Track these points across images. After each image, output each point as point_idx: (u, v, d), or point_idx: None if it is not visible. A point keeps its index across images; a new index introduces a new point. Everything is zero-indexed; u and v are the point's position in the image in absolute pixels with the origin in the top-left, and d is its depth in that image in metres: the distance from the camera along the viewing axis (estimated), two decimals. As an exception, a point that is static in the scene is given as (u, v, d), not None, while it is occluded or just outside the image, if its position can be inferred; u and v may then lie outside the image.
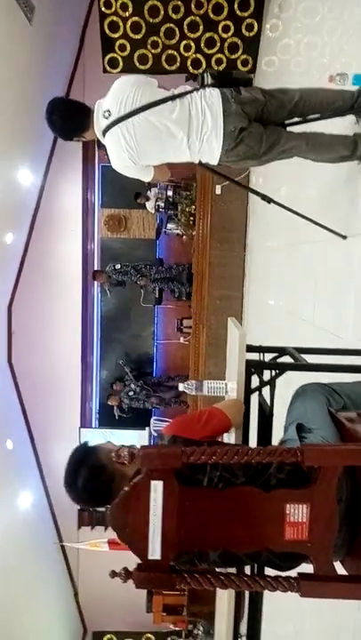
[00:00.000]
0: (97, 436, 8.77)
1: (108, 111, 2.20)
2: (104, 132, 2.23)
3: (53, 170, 8.41)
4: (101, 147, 2.36)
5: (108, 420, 9.24)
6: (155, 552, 1.26)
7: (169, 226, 7.83)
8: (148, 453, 1.25)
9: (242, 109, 2.17)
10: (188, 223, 6.71)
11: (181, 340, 8.53)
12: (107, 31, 5.71)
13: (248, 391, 1.68)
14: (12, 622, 6.93)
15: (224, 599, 1.91)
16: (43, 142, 8.09)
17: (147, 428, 8.49)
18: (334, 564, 1.30)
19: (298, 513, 1.28)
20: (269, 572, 1.40)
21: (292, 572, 1.33)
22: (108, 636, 8.76)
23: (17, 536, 7.65)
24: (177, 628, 6.48)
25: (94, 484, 1.40)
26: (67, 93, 8.18)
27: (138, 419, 8.69)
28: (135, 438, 8.51)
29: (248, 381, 1.68)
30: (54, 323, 8.78)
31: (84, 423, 9.15)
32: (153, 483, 1.25)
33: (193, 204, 6.52)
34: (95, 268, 8.74)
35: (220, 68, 5.66)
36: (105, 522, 9.02)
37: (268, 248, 5.06)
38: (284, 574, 1.30)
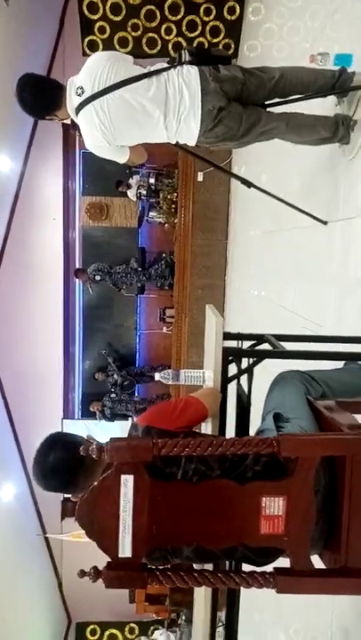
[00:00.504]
0: (80, 427, 8.70)
1: (81, 88, 2.10)
2: (77, 111, 2.13)
3: (33, 156, 8.21)
4: (76, 126, 2.26)
5: (90, 410, 9.16)
6: (125, 549, 1.20)
7: (151, 214, 7.72)
8: (117, 446, 1.18)
9: (220, 88, 2.09)
10: (170, 211, 6.61)
11: (164, 329, 8.46)
12: (86, 12, 5.55)
13: (225, 379, 1.62)
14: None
15: (201, 589, 1.86)
16: (22, 128, 7.89)
17: (130, 419, 8.43)
18: (311, 557, 1.25)
19: (274, 506, 1.23)
20: (245, 567, 1.35)
21: (269, 567, 1.28)
22: (92, 626, 8.76)
23: (-1, 528, 7.58)
24: (160, 618, 6.49)
25: (65, 463, 1.35)
26: (47, 74, 7.97)
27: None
28: (118, 429, 8.46)
29: (225, 370, 1.62)
30: (35, 313, 8.63)
31: (67, 414, 9.06)
32: (123, 477, 1.19)
33: (175, 191, 6.42)
34: (77, 266, 8.60)
35: (193, 45, 5.54)
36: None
37: (250, 236, 5.00)
38: (259, 569, 1.25)
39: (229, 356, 1.63)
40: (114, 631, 8.67)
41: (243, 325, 5.00)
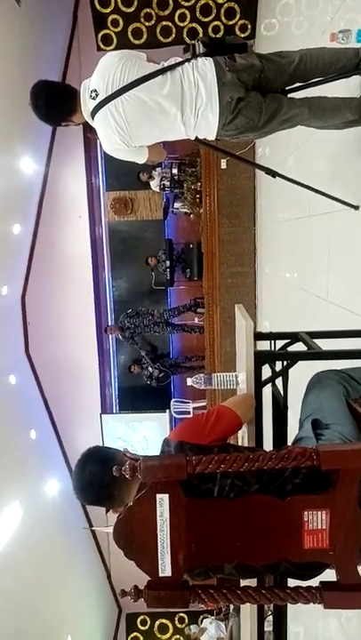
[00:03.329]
0: (118, 422, 8.79)
1: (95, 91, 2.05)
2: (92, 114, 2.09)
3: (56, 156, 8.25)
4: (93, 130, 2.22)
5: (127, 404, 9.24)
6: (165, 569, 1.18)
7: (176, 205, 7.65)
8: (150, 466, 1.15)
9: (238, 78, 2.01)
10: (195, 201, 6.52)
11: (196, 320, 8.41)
12: (98, 7, 5.50)
13: (259, 384, 1.56)
14: (47, 608, 7.07)
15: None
16: (43, 128, 7.91)
17: (167, 411, 8.46)
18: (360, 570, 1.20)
19: (317, 520, 1.18)
20: (290, 580, 1.31)
21: (315, 581, 1.24)
22: (142, 616, 8.91)
23: (46, 523, 7.76)
24: (209, 608, 6.52)
25: (99, 478, 1.35)
26: (63, 75, 7.97)
27: (158, 401, 8.66)
28: (156, 422, 8.50)
29: (258, 373, 1.56)
30: (68, 310, 8.73)
31: (105, 409, 9.16)
32: (158, 496, 1.16)
33: (199, 180, 6.33)
34: (105, 273, 8.72)
35: (218, 35, 5.42)
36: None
37: (279, 222, 4.88)
38: (305, 583, 1.21)
39: (262, 359, 1.58)
40: (164, 621, 8.81)
41: (275, 312, 4.90)
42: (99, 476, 1.33)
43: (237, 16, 5.46)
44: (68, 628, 7.66)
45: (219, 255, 6.10)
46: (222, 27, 5.46)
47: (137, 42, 5.58)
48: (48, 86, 2.15)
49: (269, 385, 1.73)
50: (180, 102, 2.03)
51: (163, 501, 1.16)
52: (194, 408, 8.33)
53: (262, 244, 5.67)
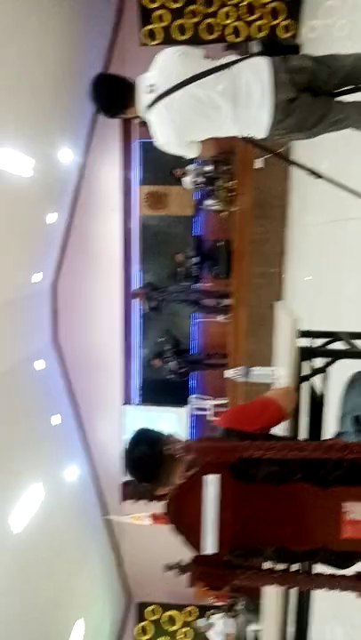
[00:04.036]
0: (139, 412, 8.89)
1: (152, 85, 2.11)
2: (147, 108, 2.15)
3: (93, 148, 8.35)
4: (143, 123, 2.28)
5: (149, 396, 9.33)
6: (210, 547, 1.24)
7: (207, 202, 7.68)
8: (202, 447, 1.21)
9: (291, 79, 2.05)
10: (228, 199, 6.55)
11: (220, 318, 8.45)
12: (144, 2, 5.55)
13: (299, 379, 1.61)
14: (61, 591, 7.22)
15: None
16: (82, 119, 8.02)
17: (186, 406, 8.53)
18: None
19: (357, 511, 1.23)
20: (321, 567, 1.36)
21: (350, 570, 1.28)
22: (152, 606, 9.01)
23: (65, 508, 7.91)
24: (219, 603, 6.59)
25: (147, 458, 1.44)
26: (106, 68, 8.05)
27: (178, 396, 8.73)
28: (175, 416, 8.57)
29: (300, 369, 1.61)
30: (96, 301, 8.86)
31: (127, 400, 9.27)
32: (208, 477, 1.22)
33: (233, 179, 6.35)
34: (136, 259, 8.75)
35: (261, 35, 5.43)
36: (147, 495, 9.22)
37: (311, 224, 4.88)
38: (341, 572, 1.25)
39: (305, 355, 1.62)
40: (173, 613, 8.90)
41: (302, 314, 4.90)
42: (147, 456, 1.41)
43: (282, 16, 5.46)
44: (79, 612, 7.81)
45: (248, 254, 6.12)
46: (266, 26, 5.47)
47: (181, 38, 5.62)
48: (107, 79, 2.22)
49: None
50: (234, 99, 2.07)
51: (212, 482, 1.22)
52: (214, 405, 8.38)
53: (293, 245, 5.68)
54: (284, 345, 1.64)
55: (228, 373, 1.84)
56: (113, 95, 2.21)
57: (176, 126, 2.13)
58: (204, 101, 2.08)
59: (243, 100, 2.07)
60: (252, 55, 2.10)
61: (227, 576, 1.24)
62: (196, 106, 2.09)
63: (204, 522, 1.23)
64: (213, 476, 1.23)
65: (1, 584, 5.63)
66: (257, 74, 2.06)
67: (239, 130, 2.17)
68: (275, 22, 5.47)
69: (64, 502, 7.94)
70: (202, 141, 2.25)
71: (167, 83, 2.09)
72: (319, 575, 1.21)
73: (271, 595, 2.03)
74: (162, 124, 2.14)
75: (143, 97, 2.15)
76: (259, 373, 1.78)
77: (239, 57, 2.11)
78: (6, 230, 6.41)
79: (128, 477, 1.52)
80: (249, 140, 2.33)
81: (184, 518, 1.26)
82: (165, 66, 2.12)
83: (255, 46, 2.10)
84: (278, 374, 1.77)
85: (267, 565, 1.31)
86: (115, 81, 2.22)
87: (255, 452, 1.21)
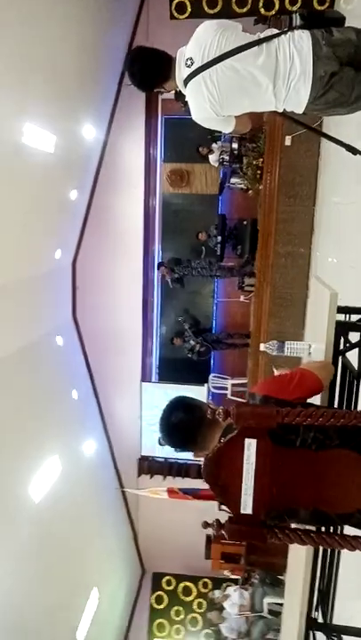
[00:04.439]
0: (157, 390, 8.99)
1: (191, 59, 2.10)
2: (185, 82, 2.15)
3: (116, 125, 8.31)
4: (181, 97, 2.28)
5: (167, 374, 9.42)
6: (247, 507, 1.29)
7: (233, 180, 7.60)
8: (243, 412, 1.25)
9: (333, 52, 2.02)
10: (255, 177, 6.48)
11: (242, 298, 8.44)
12: (175, -25, 5.44)
13: (337, 353, 1.63)
14: (77, 560, 7.45)
15: (301, 553, 1.94)
16: (106, 96, 7.98)
17: (205, 385, 8.60)
18: None
19: (394, 477, 1.26)
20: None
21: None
22: (168, 577, 9.24)
23: (82, 480, 8.10)
24: (233, 576, 6.74)
25: (185, 423, 1.48)
26: (130, 42, 7.96)
27: (197, 374, 8.80)
28: (193, 395, 8.62)
29: (337, 343, 1.63)
30: (116, 279, 8.91)
31: (145, 377, 9.37)
32: (247, 440, 1.26)
33: (261, 156, 6.28)
34: (157, 237, 8.73)
35: (295, 7, 5.29)
36: (162, 471, 9.39)
37: (342, 203, 4.83)
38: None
39: (341, 330, 1.64)
40: (188, 584, 9.12)
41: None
42: (185, 422, 1.46)
43: (316, -12, 5.31)
44: (94, 580, 8.06)
45: (275, 234, 6.08)
46: (300, -1, 5.33)
47: (211, 11, 5.51)
48: (145, 53, 2.22)
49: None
50: (274, 74, 2.06)
51: (251, 445, 1.26)
52: (232, 384, 8.43)
53: (321, 224, 5.62)
54: (321, 319, 1.66)
55: (262, 347, 1.87)
56: (152, 68, 2.21)
57: (214, 100, 2.12)
58: (244, 76, 2.07)
59: (282, 74, 2.06)
60: (293, 28, 2.08)
61: (262, 534, 1.29)
62: (235, 80, 2.08)
63: (244, 483, 1.27)
64: (251, 440, 1.27)
65: (20, 551, 5.82)
66: (298, 48, 2.04)
67: (277, 105, 2.16)
68: (309, -5, 5.33)
69: (82, 475, 8.13)
70: (237, 116, 2.24)
71: (206, 56, 2.08)
72: (355, 537, 1.25)
73: (296, 566, 2.08)
74: (199, 97, 2.13)
75: (182, 70, 2.15)
76: (294, 347, 1.80)
77: (279, 31, 2.08)
78: (30, 206, 6.46)
79: (161, 444, 1.56)
80: (287, 115, 2.32)
81: (221, 479, 1.31)
82: (204, 39, 2.10)
83: (297, 19, 2.07)
84: (313, 349, 1.80)
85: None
86: (154, 54, 2.21)
87: (294, 418, 1.24)
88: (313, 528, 1.46)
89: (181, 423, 1.47)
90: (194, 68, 2.10)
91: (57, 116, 6.30)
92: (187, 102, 2.26)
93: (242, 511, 1.29)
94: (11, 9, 4.46)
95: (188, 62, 2.12)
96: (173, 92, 2.42)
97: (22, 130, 5.49)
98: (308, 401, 1.48)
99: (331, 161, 5.28)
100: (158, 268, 8.31)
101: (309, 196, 5.75)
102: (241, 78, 2.07)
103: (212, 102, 2.12)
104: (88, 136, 7.59)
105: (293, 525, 1.40)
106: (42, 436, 6.91)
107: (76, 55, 6.26)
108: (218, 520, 1.32)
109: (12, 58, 4.79)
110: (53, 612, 6.45)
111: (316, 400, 1.66)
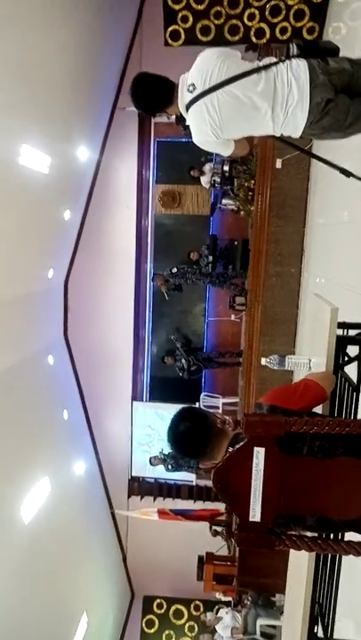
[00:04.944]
0: (148, 409, 8.98)
1: (193, 85, 2.20)
2: (188, 106, 2.24)
3: (110, 146, 8.46)
4: (181, 121, 2.37)
5: (158, 393, 9.41)
6: (255, 514, 1.32)
7: (224, 201, 7.74)
8: (252, 421, 1.29)
9: (329, 80, 2.13)
10: (247, 198, 6.62)
11: (232, 317, 8.52)
12: (169, 3, 5.63)
13: (338, 366, 1.69)
14: (67, 583, 7.31)
15: (302, 565, 1.96)
16: (100, 117, 8.13)
17: (196, 403, 8.60)
18: None
19: None
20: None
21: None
22: (159, 600, 9.09)
23: (71, 502, 8.00)
24: (225, 598, 6.65)
25: (193, 432, 1.51)
26: (124, 68, 8.16)
27: (188, 393, 8.80)
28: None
29: (338, 357, 1.69)
30: (108, 298, 8.95)
31: (136, 396, 9.36)
32: (256, 449, 1.30)
33: (252, 178, 6.42)
34: (148, 256, 8.83)
35: (285, 37, 5.50)
36: (153, 492, 9.31)
37: (331, 224, 4.95)
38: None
39: (340, 344, 1.70)
40: (179, 607, 8.98)
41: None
42: (193, 431, 1.49)
43: (306, 18, 5.52)
44: (84, 604, 7.90)
45: (265, 254, 6.18)
46: (290, 28, 5.53)
47: (204, 39, 5.69)
48: (148, 78, 2.31)
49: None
50: (272, 100, 2.15)
51: (259, 454, 1.30)
52: (223, 403, 8.45)
53: (311, 245, 5.75)
54: (322, 334, 1.72)
55: (263, 361, 1.91)
56: (155, 93, 2.30)
57: (215, 124, 2.21)
58: (244, 101, 2.17)
59: (281, 100, 2.15)
60: (291, 57, 2.18)
61: (270, 541, 1.32)
62: (235, 105, 2.17)
63: (253, 491, 1.31)
64: (259, 448, 1.31)
65: (9, 575, 5.71)
66: (295, 75, 2.14)
67: (275, 129, 2.25)
68: (299, 24, 5.54)
69: (71, 496, 8.03)
70: (236, 140, 2.33)
71: (208, 82, 2.18)
72: (359, 543, 1.28)
73: (296, 580, 2.09)
74: (201, 121, 2.22)
75: (184, 95, 2.24)
76: (294, 362, 1.85)
77: (277, 59, 2.19)
78: (25, 225, 6.52)
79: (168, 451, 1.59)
80: (284, 140, 2.42)
81: (230, 487, 1.34)
82: (206, 66, 2.20)
83: (294, 49, 2.18)
84: (314, 363, 1.85)
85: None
86: (157, 80, 2.31)
87: (301, 427, 1.29)
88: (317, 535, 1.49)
89: (190, 432, 1.50)
90: (196, 93, 2.19)
91: (52, 137, 6.41)
92: (188, 126, 2.35)
93: (250, 518, 1.32)
94: (7, 32, 4.58)
95: (191, 88, 2.21)
96: (174, 116, 2.51)
97: (19, 150, 5.57)
98: (313, 410, 1.54)
99: (320, 183, 5.43)
100: (153, 280, 8.37)
101: (300, 218, 5.88)
102: (241, 104, 2.17)
103: (212, 126, 2.21)
104: (82, 157, 7.71)
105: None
106: (31, 457, 6.84)
107: (72, 79, 6.40)
108: (228, 527, 1.34)
109: (9, 80, 4.89)
110: (42, 637, 6.30)
111: (318, 411, 1.71)
